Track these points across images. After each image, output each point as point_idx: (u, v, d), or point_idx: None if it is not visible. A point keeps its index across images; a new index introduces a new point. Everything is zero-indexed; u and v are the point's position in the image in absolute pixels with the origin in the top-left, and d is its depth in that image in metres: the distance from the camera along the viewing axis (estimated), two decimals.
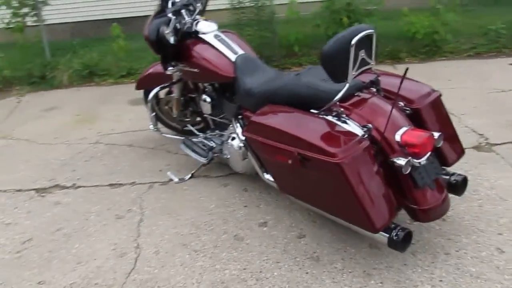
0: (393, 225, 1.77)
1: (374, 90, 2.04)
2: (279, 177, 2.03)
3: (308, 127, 1.84)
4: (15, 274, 2.02)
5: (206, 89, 2.66)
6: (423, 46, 4.94)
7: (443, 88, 2.31)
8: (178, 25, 2.51)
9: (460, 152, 2.10)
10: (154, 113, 2.99)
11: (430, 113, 2.00)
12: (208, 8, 2.82)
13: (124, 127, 3.67)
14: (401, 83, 1.68)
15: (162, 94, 3.12)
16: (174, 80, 2.83)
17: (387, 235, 1.74)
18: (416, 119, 1.97)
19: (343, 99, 1.93)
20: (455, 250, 1.96)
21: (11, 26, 5.29)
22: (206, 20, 2.69)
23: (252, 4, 5.00)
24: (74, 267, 2.05)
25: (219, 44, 2.53)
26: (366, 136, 1.79)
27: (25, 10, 5.26)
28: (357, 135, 1.76)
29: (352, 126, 1.85)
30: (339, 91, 1.86)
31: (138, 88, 3.16)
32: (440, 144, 1.89)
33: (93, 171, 2.95)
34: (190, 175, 2.74)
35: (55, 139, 3.54)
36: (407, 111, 1.98)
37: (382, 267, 1.91)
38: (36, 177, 2.92)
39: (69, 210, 2.52)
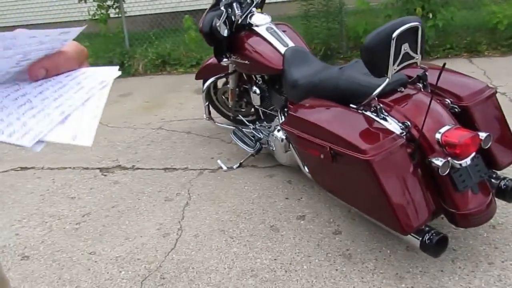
0: (427, 228, 1.68)
1: (420, 85, 1.94)
2: (314, 171, 2.03)
3: (342, 122, 1.81)
4: (71, 244, 2.26)
5: (258, 81, 2.71)
6: (505, 38, 4.52)
7: None
8: (232, 18, 2.58)
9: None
10: (207, 103, 3.10)
11: (480, 112, 1.86)
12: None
13: (186, 114, 3.85)
14: (439, 76, 1.59)
15: (221, 84, 3.24)
16: (229, 71, 2.91)
17: (420, 238, 1.67)
18: (465, 118, 1.85)
19: (385, 95, 1.87)
20: (500, 261, 1.82)
21: (96, 17, 5.76)
22: (261, 12, 2.73)
23: None
24: (122, 242, 2.24)
25: (270, 37, 2.55)
26: (403, 134, 1.72)
27: (109, 2, 5.70)
28: (393, 133, 1.70)
29: (390, 123, 1.78)
30: (379, 85, 1.80)
31: (197, 78, 3.29)
32: (488, 145, 1.76)
33: (152, 155, 3.16)
34: (238, 164, 2.82)
35: (124, 123, 3.82)
36: (455, 109, 1.86)
37: (416, 271, 1.83)
38: (102, 157, 3.20)
39: (126, 189, 2.74)
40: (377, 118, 1.81)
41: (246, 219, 2.31)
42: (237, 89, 2.99)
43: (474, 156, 1.71)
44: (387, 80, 1.77)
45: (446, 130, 1.71)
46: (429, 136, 1.72)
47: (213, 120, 3.18)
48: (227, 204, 2.46)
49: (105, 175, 2.95)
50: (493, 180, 1.87)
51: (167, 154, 3.15)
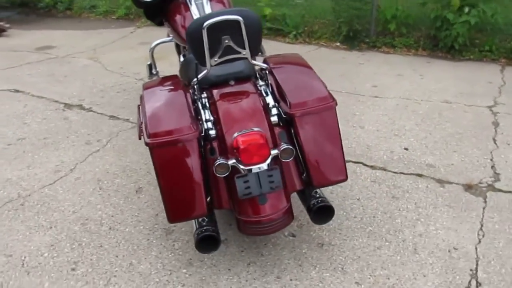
0: (204, 224, 1.70)
1: (260, 82, 1.88)
2: None
3: (161, 101, 1.81)
4: (2, 160, 2.70)
5: (184, 50, 2.77)
6: None
7: None
8: None
9: (336, 177, 1.78)
10: (149, 63, 3.19)
11: (306, 124, 1.74)
12: None
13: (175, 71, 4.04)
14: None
15: None
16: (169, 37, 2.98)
17: (196, 230, 1.71)
18: (292, 126, 1.77)
19: (216, 85, 1.86)
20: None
21: None
22: None
23: None
24: (22, 168, 2.60)
25: (194, 8, 2.57)
26: (202, 128, 1.72)
27: None
28: (189, 123, 1.68)
29: (201, 114, 1.78)
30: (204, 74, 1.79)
31: None
32: (289, 159, 1.68)
33: (112, 102, 3.46)
34: None
35: (119, 69, 4.15)
36: (283, 116, 1.78)
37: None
38: (75, 95, 3.59)
39: (66, 126, 3.09)
40: (190, 105, 1.79)
41: (125, 176, 2.50)
42: (179, 56, 3.06)
43: (270, 167, 1.65)
44: (206, 70, 1.76)
45: (241, 133, 1.66)
46: (226, 137, 1.69)
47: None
48: (125, 159, 2.67)
49: (63, 110, 3.33)
50: (310, 197, 1.79)
51: (125, 104, 3.41)
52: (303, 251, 1.93)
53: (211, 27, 1.67)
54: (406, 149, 2.69)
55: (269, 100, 1.84)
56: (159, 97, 1.87)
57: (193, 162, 1.68)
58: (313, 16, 5.21)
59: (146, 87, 1.94)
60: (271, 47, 4.80)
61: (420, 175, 2.43)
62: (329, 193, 2.29)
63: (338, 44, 4.79)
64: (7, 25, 5.41)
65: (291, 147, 1.66)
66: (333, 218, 1.78)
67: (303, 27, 5.09)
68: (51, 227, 2.11)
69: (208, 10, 2.57)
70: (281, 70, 1.96)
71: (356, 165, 2.55)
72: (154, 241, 2.01)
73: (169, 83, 1.96)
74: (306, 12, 5.27)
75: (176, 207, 1.68)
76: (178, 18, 2.60)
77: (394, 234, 2.01)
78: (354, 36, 4.64)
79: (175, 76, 2.05)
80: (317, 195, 1.79)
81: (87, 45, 4.95)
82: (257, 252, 1.93)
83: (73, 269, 1.86)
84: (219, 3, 2.67)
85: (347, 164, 2.52)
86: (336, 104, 1.79)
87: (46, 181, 2.48)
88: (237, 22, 1.67)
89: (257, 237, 1.98)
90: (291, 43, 4.93)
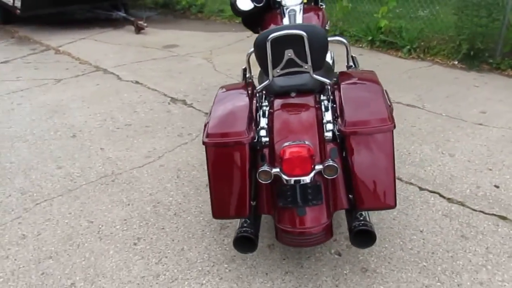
0: (245, 225, 1.78)
1: (321, 97, 1.89)
2: None
3: (227, 103, 1.94)
4: (109, 140, 3.16)
5: None
6: None
7: None
8: None
9: (383, 202, 1.70)
10: (244, 67, 3.33)
11: (358, 144, 1.70)
12: None
13: None
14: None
15: None
16: None
17: (236, 230, 1.80)
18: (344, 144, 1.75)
19: (279, 95, 1.93)
20: None
21: None
22: None
23: None
24: (128, 149, 2.99)
25: (286, 20, 2.65)
26: (255, 135, 1.79)
27: None
28: (243, 129, 1.77)
29: (260, 120, 1.86)
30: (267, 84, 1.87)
31: None
32: (333, 176, 1.66)
33: (202, 99, 3.75)
34: None
35: (227, 70, 4.46)
36: (337, 133, 1.77)
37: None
38: (182, 91, 3.97)
39: (167, 118, 3.44)
40: (251, 112, 1.87)
41: (201, 170, 2.69)
42: None
43: (313, 181, 1.66)
44: (268, 80, 1.83)
45: (289, 144, 1.70)
46: (276, 146, 1.75)
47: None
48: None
49: (169, 104, 3.72)
50: (354, 219, 1.75)
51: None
52: (344, 271, 1.88)
53: (275, 40, 1.74)
54: (497, 186, 2.40)
55: (327, 115, 1.84)
56: (227, 101, 2.01)
57: (242, 165, 1.76)
58: (432, 31, 4.89)
59: (221, 89, 2.10)
60: (380, 60, 4.67)
61: (503, 218, 2.16)
62: (392, 219, 2.18)
63: (456, 63, 4.42)
64: (145, 24, 6.17)
65: (335, 164, 1.64)
66: (386, 246, 1.70)
67: (419, 41, 4.81)
68: (128, 204, 2.41)
69: (298, 21, 2.63)
70: (348, 86, 1.94)
71: (432, 194, 2.37)
72: (208, 233, 2.16)
73: (242, 88, 2.08)
74: (425, 26, 4.96)
75: (221, 204, 1.78)
76: (270, 27, 2.71)
77: (450, 276, 1.84)
78: (475, 55, 4.23)
79: (251, 83, 2.17)
80: (361, 218, 1.74)
81: (206, 46, 5.40)
82: (298, 263, 1.94)
83: (135, 244, 2.10)
84: (312, 15, 2.71)
85: (422, 192, 2.40)
86: (394, 127, 1.71)
87: (137, 163, 2.81)
88: (301, 37, 1.72)
89: (302, 248, 2.00)
90: (403, 58, 4.71)
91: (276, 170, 1.68)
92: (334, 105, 1.88)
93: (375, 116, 1.72)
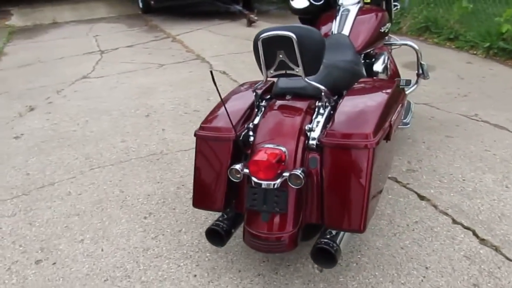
0: (220, 218, 1.83)
1: (317, 102, 1.80)
2: None
3: (234, 100, 2.00)
4: (173, 124, 3.46)
5: None
6: None
7: None
8: None
9: (348, 224, 1.56)
10: None
11: (332, 157, 1.60)
12: None
13: None
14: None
15: None
16: None
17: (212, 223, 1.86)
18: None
19: (277, 96, 1.90)
20: None
21: None
22: None
23: None
24: (184, 133, 3.24)
25: (337, 19, 2.53)
26: (240, 131, 1.81)
27: None
28: (231, 124, 1.80)
29: (254, 117, 1.88)
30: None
31: None
32: (294, 186, 1.59)
33: None
34: None
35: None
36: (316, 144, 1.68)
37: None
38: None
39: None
40: (247, 110, 1.90)
41: None
42: None
43: (280, 187, 1.63)
44: (261, 81, 1.82)
45: (265, 147, 1.68)
46: (255, 146, 1.74)
47: None
48: None
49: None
50: (322, 234, 1.65)
51: None
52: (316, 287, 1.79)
53: (269, 41, 1.72)
54: None
55: (315, 123, 1.75)
56: (234, 97, 2.08)
57: (224, 161, 1.82)
58: None
59: (240, 86, 2.18)
60: (490, 71, 4.11)
61: None
62: (399, 247, 1.97)
63: None
64: (256, 18, 6.42)
65: (299, 174, 1.57)
66: (375, 274, 1.60)
67: None
68: (158, 182, 2.64)
69: (348, 23, 2.51)
70: (353, 95, 1.85)
71: (464, 231, 2.05)
72: (210, 220, 2.23)
73: (252, 87, 2.12)
74: None
75: (200, 195, 1.87)
76: (323, 28, 2.64)
77: None
78: None
79: (268, 81, 2.18)
80: (328, 236, 1.63)
81: None
82: (274, 268, 1.91)
83: (145, 217, 2.31)
84: (367, 16, 2.55)
85: (454, 225, 2.12)
86: (377, 144, 1.55)
87: (184, 147, 3.03)
88: (289, 38, 1.67)
89: (284, 254, 1.95)
90: None
91: (246, 170, 1.68)
92: (332, 113, 1.78)
93: (358, 130, 1.60)
